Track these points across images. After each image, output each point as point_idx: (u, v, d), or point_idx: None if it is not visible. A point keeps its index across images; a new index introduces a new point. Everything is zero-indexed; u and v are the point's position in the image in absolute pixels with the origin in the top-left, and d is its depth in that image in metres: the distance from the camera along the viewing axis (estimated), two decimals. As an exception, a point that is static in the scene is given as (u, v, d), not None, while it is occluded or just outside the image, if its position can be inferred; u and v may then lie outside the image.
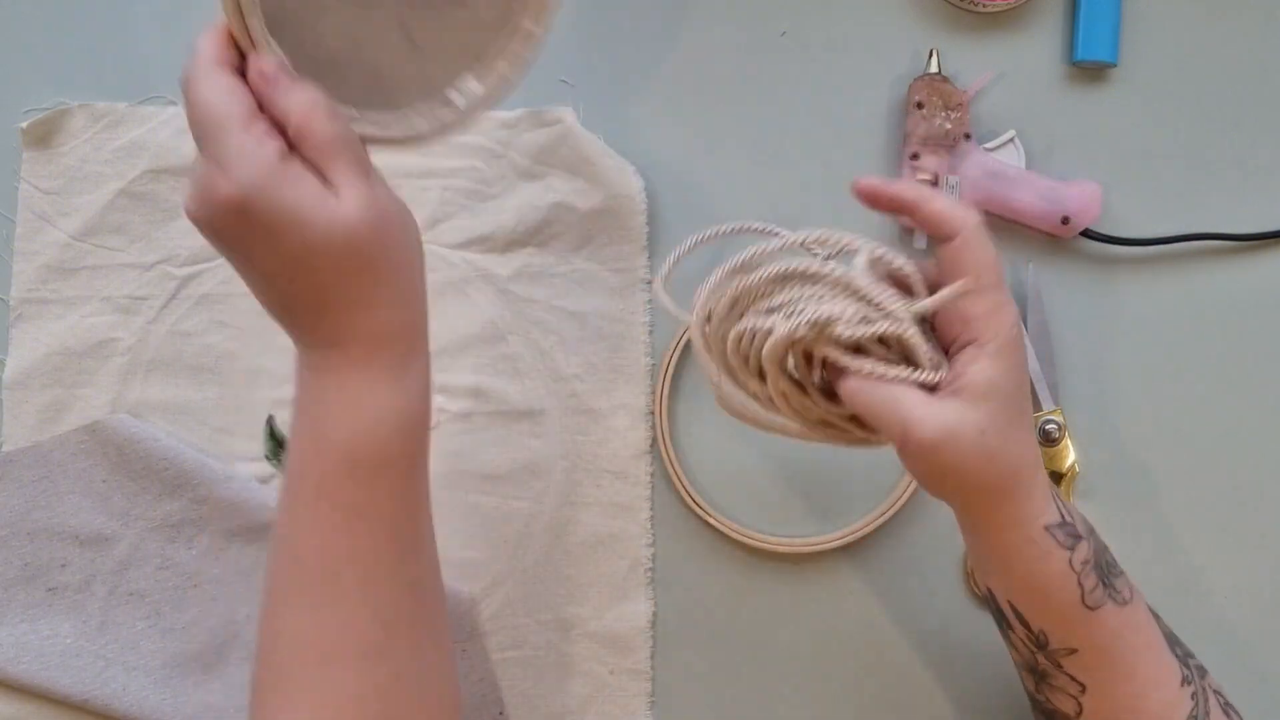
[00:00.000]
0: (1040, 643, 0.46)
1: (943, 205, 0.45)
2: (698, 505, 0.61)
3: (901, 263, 0.45)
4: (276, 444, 0.63)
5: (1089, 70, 0.64)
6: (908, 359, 0.44)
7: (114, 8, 0.64)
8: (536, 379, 0.63)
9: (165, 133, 0.63)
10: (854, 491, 0.62)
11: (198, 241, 0.62)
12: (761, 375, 0.46)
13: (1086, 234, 0.62)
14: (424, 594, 0.46)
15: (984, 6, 0.63)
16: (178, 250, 0.63)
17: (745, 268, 0.45)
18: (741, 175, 0.64)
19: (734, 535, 0.61)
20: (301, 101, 0.41)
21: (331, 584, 0.43)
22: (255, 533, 0.61)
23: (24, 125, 0.63)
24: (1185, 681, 0.47)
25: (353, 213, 0.40)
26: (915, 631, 0.62)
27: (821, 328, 0.43)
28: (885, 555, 0.62)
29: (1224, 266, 0.63)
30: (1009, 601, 0.47)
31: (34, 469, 0.61)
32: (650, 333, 0.63)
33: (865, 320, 0.43)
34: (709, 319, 0.47)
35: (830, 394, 0.46)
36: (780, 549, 0.61)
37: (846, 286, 0.44)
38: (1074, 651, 0.46)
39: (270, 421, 0.63)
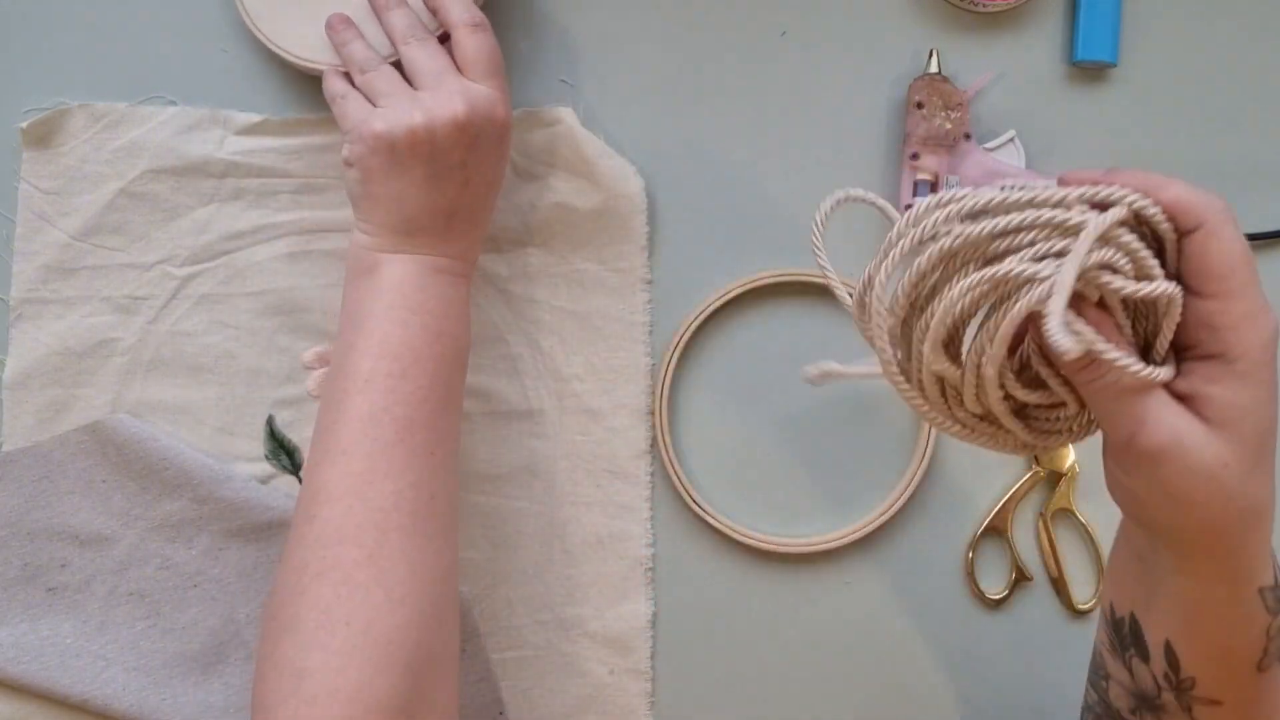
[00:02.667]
0: (1180, 685, 0.41)
1: (1180, 191, 0.37)
2: (697, 505, 0.61)
3: (1165, 226, 0.37)
4: (277, 444, 0.63)
5: (1089, 70, 0.64)
6: (1145, 345, 0.38)
7: (114, 8, 0.64)
8: (536, 379, 0.63)
9: (165, 133, 0.63)
10: (854, 492, 0.62)
11: (197, 241, 0.63)
12: (949, 346, 0.39)
13: (1086, 234, 0.62)
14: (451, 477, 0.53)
15: (984, 6, 0.63)
16: (177, 250, 0.63)
17: (971, 214, 0.37)
18: (741, 175, 0.64)
19: (733, 535, 0.61)
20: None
21: (426, 456, 0.50)
22: (255, 533, 0.61)
23: (24, 125, 0.63)
24: None
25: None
26: (915, 632, 0.62)
27: (1091, 280, 0.35)
28: (885, 555, 0.62)
29: (1224, 266, 0.63)
30: (1166, 641, 0.41)
31: (34, 469, 0.61)
32: (650, 333, 0.63)
33: (1136, 279, 0.36)
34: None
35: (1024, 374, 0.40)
36: (780, 549, 0.61)
37: (1107, 242, 0.36)
38: (1217, 704, 0.41)
39: (270, 421, 0.63)
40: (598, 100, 0.64)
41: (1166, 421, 0.36)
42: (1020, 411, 0.40)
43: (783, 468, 0.63)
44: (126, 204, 0.63)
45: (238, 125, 0.63)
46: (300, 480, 0.62)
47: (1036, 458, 0.62)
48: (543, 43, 0.65)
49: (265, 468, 0.62)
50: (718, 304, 0.62)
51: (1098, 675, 0.47)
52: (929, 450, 0.61)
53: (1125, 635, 0.43)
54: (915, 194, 0.61)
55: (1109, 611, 0.44)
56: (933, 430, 0.61)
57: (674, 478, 0.61)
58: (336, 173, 0.63)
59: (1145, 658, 0.42)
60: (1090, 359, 0.36)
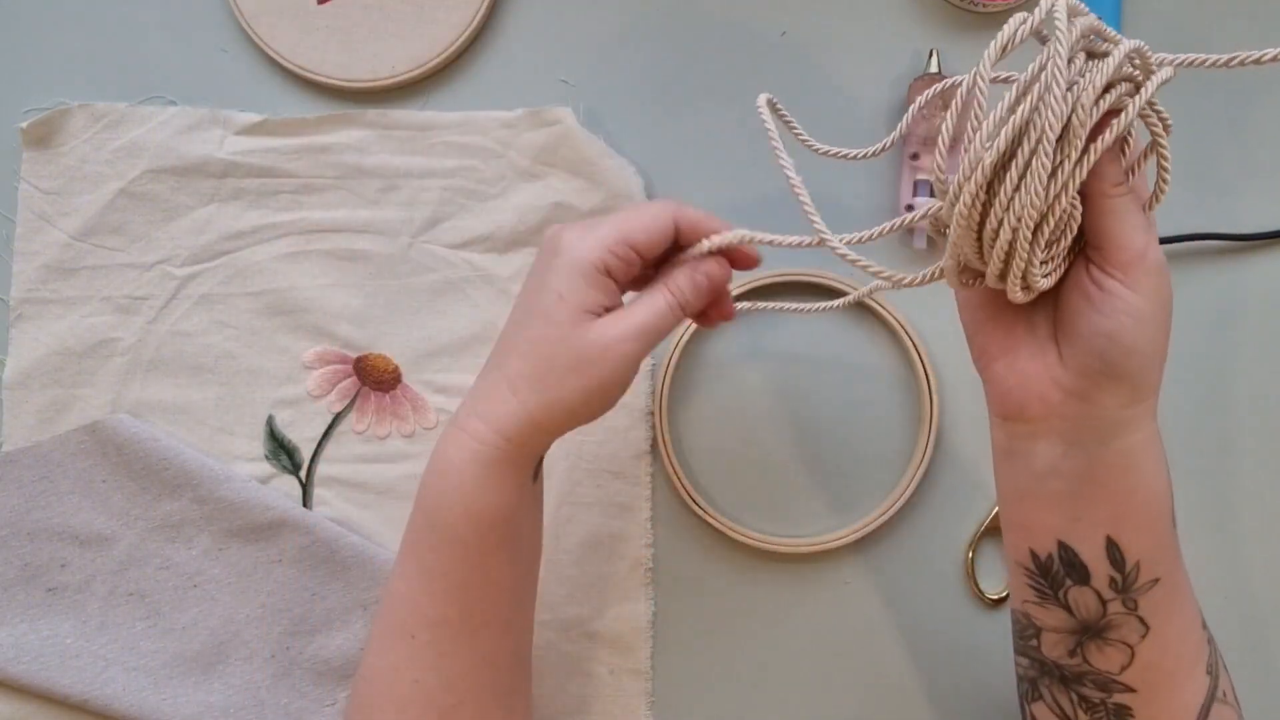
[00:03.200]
0: (1125, 583, 0.43)
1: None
2: (697, 505, 0.61)
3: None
4: (276, 444, 0.63)
5: (1089, 70, 0.64)
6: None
7: (114, 8, 0.64)
8: (536, 379, 0.63)
9: (165, 133, 0.63)
10: (854, 492, 0.62)
11: (197, 241, 0.63)
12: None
13: (1086, 234, 0.62)
14: (497, 671, 0.50)
15: (984, 6, 0.63)
16: (177, 250, 0.63)
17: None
18: (741, 175, 0.64)
19: (733, 535, 0.61)
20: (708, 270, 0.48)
21: (408, 640, 0.48)
22: (255, 533, 0.61)
23: (24, 125, 0.63)
24: (1203, 626, 0.46)
25: (586, 335, 0.45)
26: (915, 631, 0.62)
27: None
28: (885, 555, 0.62)
29: (1224, 266, 0.63)
30: (1107, 538, 0.43)
31: (34, 469, 0.61)
32: (650, 333, 0.63)
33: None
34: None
35: None
36: (780, 549, 0.61)
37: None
38: (1156, 583, 0.43)
39: (270, 421, 0.63)
40: (598, 100, 0.64)
41: (1155, 239, 0.41)
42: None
43: (783, 468, 0.63)
44: (126, 204, 0.63)
45: (237, 125, 0.63)
46: (300, 481, 0.62)
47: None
48: (543, 43, 0.65)
49: (265, 468, 0.62)
50: (718, 304, 0.62)
51: (1024, 640, 0.48)
52: (929, 450, 0.61)
53: (1056, 572, 0.45)
54: (915, 194, 0.61)
55: (1028, 562, 0.46)
56: (933, 430, 0.61)
57: (674, 478, 0.61)
58: (336, 173, 0.63)
59: (1085, 579, 0.44)
60: (1126, 175, 0.41)
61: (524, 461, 0.48)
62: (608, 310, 0.46)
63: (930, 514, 0.62)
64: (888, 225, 0.45)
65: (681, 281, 0.47)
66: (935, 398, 0.61)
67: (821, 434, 0.63)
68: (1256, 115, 0.64)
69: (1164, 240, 0.62)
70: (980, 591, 0.62)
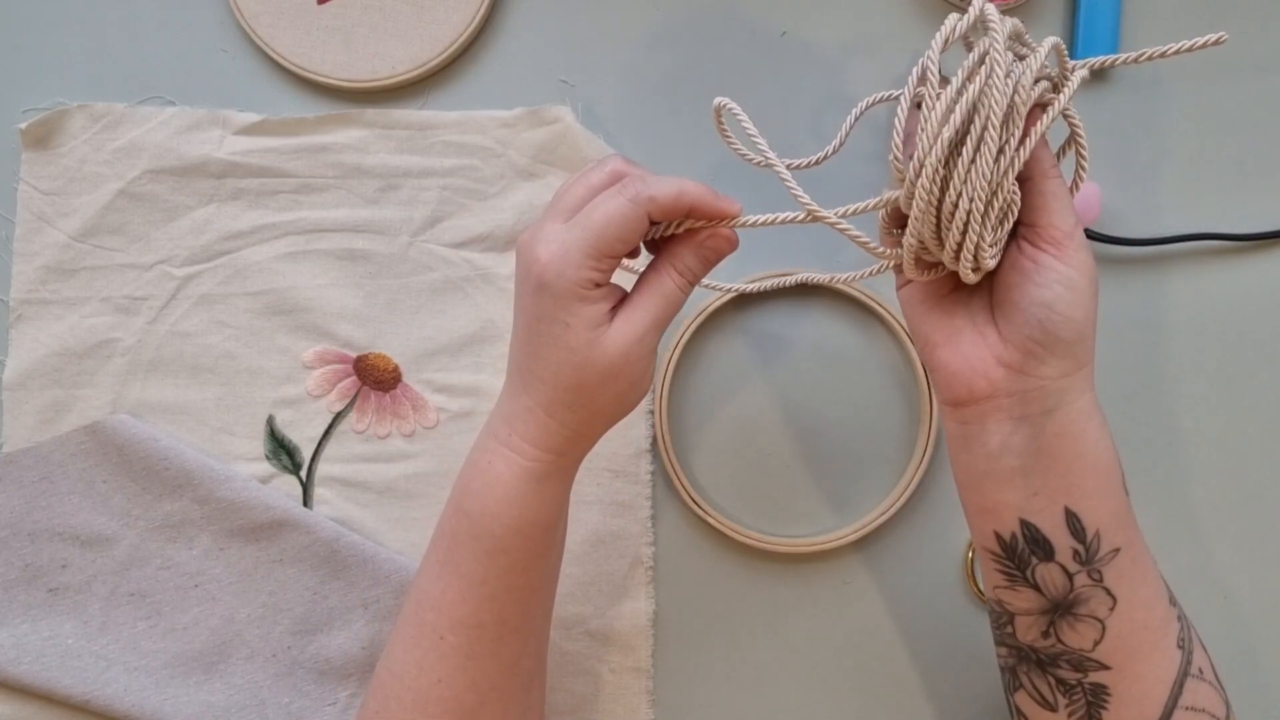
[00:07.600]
0: (1088, 554, 0.45)
1: None
2: (697, 505, 0.61)
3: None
4: (277, 444, 0.63)
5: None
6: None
7: (114, 8, 0.64)
8: (537, 379, 0.63)
9: (164, 133, 0.63)
10: (854, 492, 0.62)
11: (196, 242, 0.63)
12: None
13: (1086, 234, 0.62)
14: (519, 673, 0.51)
15: (984, 6, 0.63)
16: (177, 250, 0.63)
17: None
18: (740, 175, 0.64)
19: (733, 535, 0.61)
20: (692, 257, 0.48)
21: (436, 640, 0.49)
22: (255, 533, 0.61)
23: (23, 126, 0.63)
24: (1172, 602, 0.47)
25: (606, 349, 0.46)
26: (915, 631, 0.62)
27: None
28: (885, 555, 0.62)
29: (1224, 266, 0.63)
30: (1065, 509, 0.45)
31: (34, 470, 0.61)
32: (650, 333, 0.63)
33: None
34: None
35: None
36: (780, 549, 0.61)
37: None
38: (1117, 552, 0.45)
39: (270, 421, 0.63)
40: (597, 100, 0.64)
41: (1080, 222, 0.45)
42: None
43: (783, 468, 0.63)
44: (126, 204, 0.63)
45: (236, 125, 0.63)
46: (300, 480, 0.62)
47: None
48: (543, 43, 0.64)
49: (265, 468, 0.62)
50: (718, 304, 0.62)
51: (1000, 628, 0.49)
52: (929, 450, 0.61)
53: (1022, 551, 0.46)
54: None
55: (995, 546, 0.47)
56: (933, 430, 0.61)
57: (674, 477, 0.61)
58: (335, 172, 0.63)
59: (1050, 554, 0.45)
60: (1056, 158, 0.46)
61: (572, 469, 0.50)
62: (613, 309, 0.47)
63: (930, 513, 0.62)
64: (875, 200, 0.47)
65: (690, 261, 0.48)
66: (935, 397, 0.61)
67: (821, 434, 0.63)
68: (1256, 115, 0.64)
69: (1164, 240, 0.62)
70: (980, 591, 0.62)
